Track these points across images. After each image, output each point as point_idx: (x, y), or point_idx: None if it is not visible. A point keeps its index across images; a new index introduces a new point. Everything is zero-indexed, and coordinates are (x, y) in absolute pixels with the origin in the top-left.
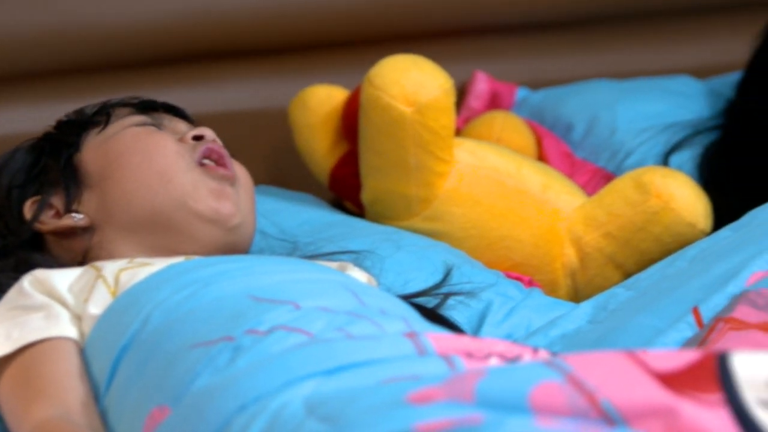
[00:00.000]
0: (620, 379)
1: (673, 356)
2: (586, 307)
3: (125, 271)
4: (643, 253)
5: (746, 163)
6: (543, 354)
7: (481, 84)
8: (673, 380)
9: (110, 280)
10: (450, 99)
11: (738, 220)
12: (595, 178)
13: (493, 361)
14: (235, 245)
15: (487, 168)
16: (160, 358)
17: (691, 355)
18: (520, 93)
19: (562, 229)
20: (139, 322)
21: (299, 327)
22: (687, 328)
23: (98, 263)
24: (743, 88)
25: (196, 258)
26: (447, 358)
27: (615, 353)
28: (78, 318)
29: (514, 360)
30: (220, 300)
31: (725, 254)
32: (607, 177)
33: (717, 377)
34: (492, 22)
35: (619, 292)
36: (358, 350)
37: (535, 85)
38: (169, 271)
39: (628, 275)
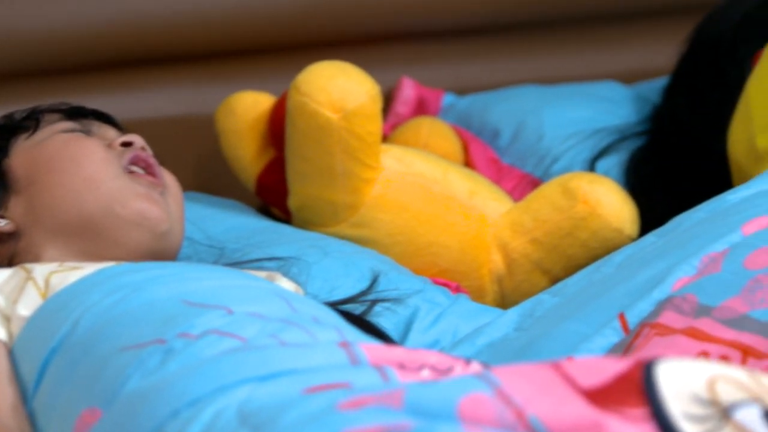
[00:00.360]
0: (548, 394)
1: (599, 369)
2: (513, 314)
3: (55, 274)
4: (569, 258)
5: (672, 168)
6: (475, 366)
7: (408, 90)
8: (599, 395)
9: (40, 282)
10: (376, 105)
11: (663, 226)
12: (521, 183)
13: (426, 373)
14: (164, 252)
15: (413, 174)
16: (90, 361)
17: (617, 367)
18: (447, 99)
19: (489, 235)
20: (69, 324)
21: (232, 332)
22: (613, 334)
23: (28, 265)
24: (669, 93)
25: (126, 264)
26: (380, 369)
27: (543, 367)
28: (7, 319)
29: (446, 372)
30: (151, 304)
31: (651, 260)
32: (534, 183)
33: (642, 390)
34: (418, 28)
35: (546, 299)
36: (292, 357)
37: (461, 90)
38: (99, 275)
39: (555, 281)
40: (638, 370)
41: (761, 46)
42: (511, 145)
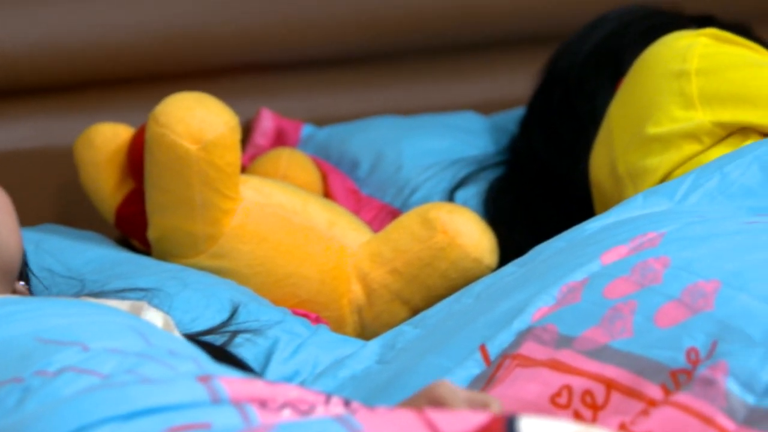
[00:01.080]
0: None
1: (462, 419)
2: (374, 346)
3: None
4: (429, 288)
5: (530, 198)
6: (336, 405)
7: (267, 121)
8: None
9: None
10: (235, 136)
11: (523, 256)
12: (381, 214)
13: (286, 413)
14: None
15: (273, 205)
16: None
17: (479, 419)
18: (306, 130)
19: (349, 266)
20: None
21: (89, 368)
22: (475, 366)
23: None
24: (524, 125)
25: None
26: (240, 407)
27: (406, 412)
28: None
29: (307, 412)
30: (6, 342)
31: (511, 290)
32: (393, 213)
33: None
34: (276, 59)
35: (407, 330)
36: (152, 394)
37: (320, 121)
38: None
39: (415, 311)
40: (500, 424)
41: (611, 78)
42: (370, 176)
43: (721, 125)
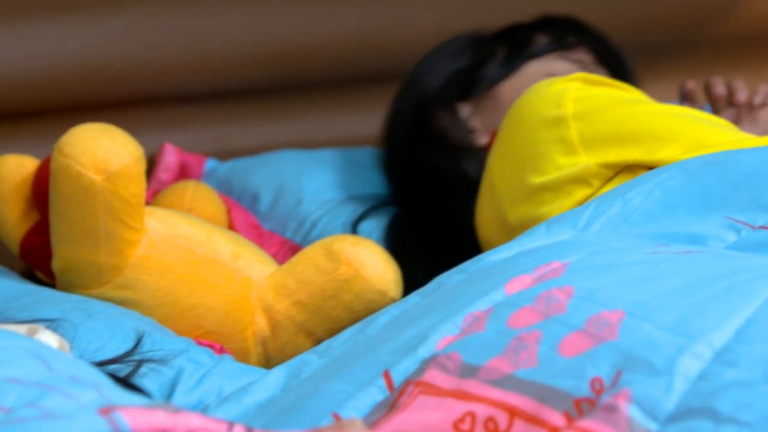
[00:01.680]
0: None
1: None
2: (279, 374)
3: None
4: (333, 320)
5: (425, 235)
6: (239, 430)
7: (170, 156)
8: None
9: None
10: (140, 167)
11: (426, 286)
12: (282, 249)
13: None
14: None
15: (178, 236)
16: None
17: None
18: (209, 164)
19: (253, 297)
20: None
21: None
22: (378, 392)
23: None
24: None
25: None
26: None
27: None
28: None
29: None
30: None
31: (415, 319)
32: (295, 248)
33: None
34: (181, 91)
35: (312, 359)
36: (54, 431)
37: (225, 152)
38: None
39: (319, 343)
40: None
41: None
42: (272, 211)
43: (606, 166)
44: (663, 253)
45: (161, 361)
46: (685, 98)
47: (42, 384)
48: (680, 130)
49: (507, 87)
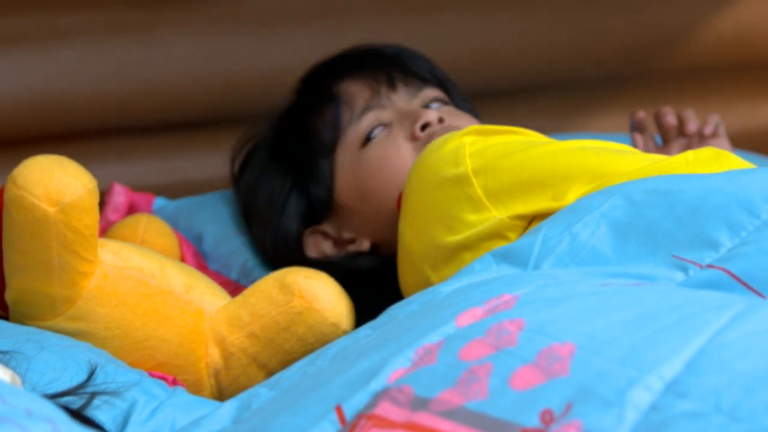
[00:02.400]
0: None
1: None
2: (230, 407)
3: None
4: (286, 352)
5: (375, 268)
6: None
7: (119, 197)
8: None
9: None
10: (94, 199)
11: (377, 319)
12: (227, 289)
13: None
14: None
15: (131, 268)
16: None
17: None
18: (158, 203)
19: (206, 329)
20: None
21: None
22: (330, 426)
23: None
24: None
25: None
26: None
27: None
28: None
29: None
30: None
31: (366, 352)
32: (240, 289)
33: None
34: (130, 123)
35: (262, 392)
36: None
37: (176, 185)
38: None
39: (272, 375)
40: None
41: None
42: (215, 251)
43: (518, 218)
44: (613, 285)
45: (114, 393)
46: (636, 128)
47: None
48: (582, 165)
49: (342, 189)
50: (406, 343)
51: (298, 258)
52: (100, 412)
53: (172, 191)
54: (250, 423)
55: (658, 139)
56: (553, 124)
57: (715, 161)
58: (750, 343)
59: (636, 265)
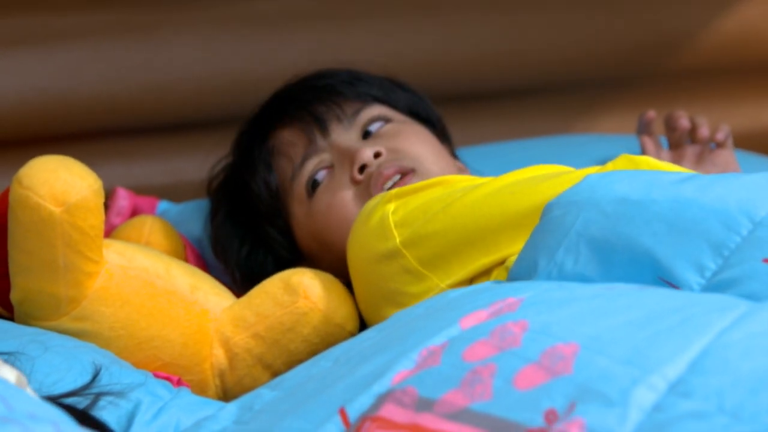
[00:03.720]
0: None
1: None
2: (232, 407)
3: None
4: (291, 353)
5: None
6: None
7: (122, 201)
8: None
9: None
10: (99, 199)
11: (383, 322)
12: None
13: None
14: None
15: (136, 268)
16: None
17: None
18: (161, 206)
19: (211, 330)
20: None
21: None
22: (334, 429)
23: None
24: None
25: None
26: None
27: None
28: None
29: None
30: None
31: (370, 354)
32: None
33: None
34: (136, 124)
35: (265, 393)
36: None
37: (180, 185)
38: None
39: (277, 375)
40: None
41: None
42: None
43: (460, 282)
44: (617, 288)
45: (119, 394)
46: (644, 130)
47: (2, 418)
48: (499, 212)
49: (301, 240)
50: (411, 345)
51: None
52: (105, 412)
53: (176, 192)
54: (253, 424)
55: (664, 143)
56: (559, 125)
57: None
58: (754, 344)
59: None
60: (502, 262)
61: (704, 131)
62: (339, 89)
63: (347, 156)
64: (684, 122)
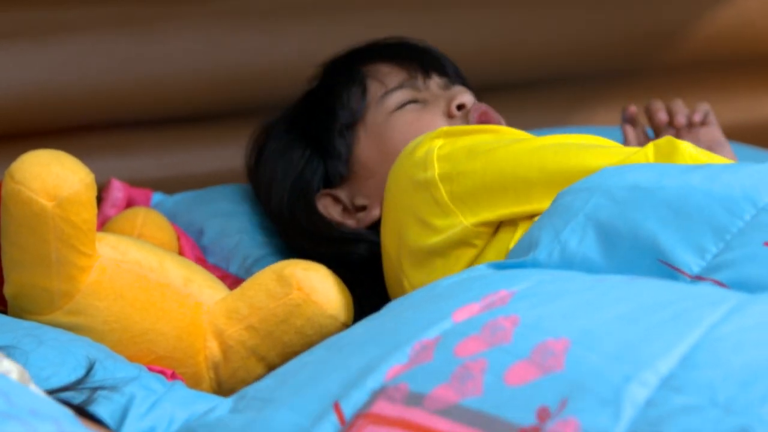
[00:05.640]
0: None
1: None
2: (228, 401)
3: None
4: (285, 345)
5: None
6: None
7: (117, 192)
8: None
9: None
10: (91, 193)
11: (376, 313)
12: (225, 283)
13: None
14: None
15: (129, 262)
16: None
17: None
18: (156, 198)
19: (205, 322)
20: None
21: None
22: (330, 427)
23: None
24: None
25: None
26: None
27: None
28: None
29: None
30: None
31: (363, 345)
32: (239, 282)
33: None
34: (129, 117)
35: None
36: None
37: (174, 179)
38: None
39: (271, 368)
40: None
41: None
42: (215, 245)
43: (483, 224)
44: (609, 280)
45: (113, 388)
46: (627, 121)
47: (4, 414)
48: (540, 166)
49: (365, 150)
50: (404, 339)
51: (312, 220)
52: (99, 406)
53: (171, 185)
54: (247, 413)
55: (650, 132)
56: (553, 119)
57: (675, 154)
58: (745, 337)
59: (626, 272)
60: (530, 217)
61: (680, 118)
62: (444, 60)
63: (444, 98)
64: (661, 115)
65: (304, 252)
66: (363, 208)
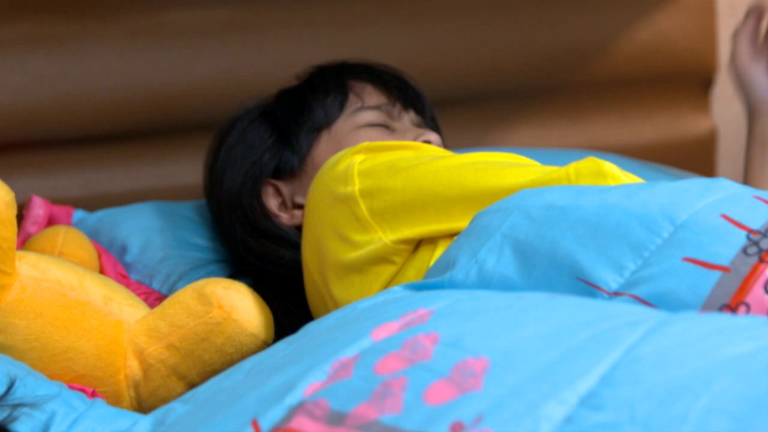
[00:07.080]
0: None
1: None
2: (146, 423)
3: None
4: (206, 364)
5: (293, 283)
6: None
7: (38, 209)
8: None
9: None
10: (11, 211)
11: (293, 336)
12: (149, 299)
13: None
14: None
15: (49, 280)
16: None
17: None
18: (77, 215)
19: (125, 341)
20: None
21: None
22: None
23: None
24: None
25: None
26: None
27: None
28: None
29: None
30: None
31: (282, 366)
32: (161, 299)
33: None
34: (49, 136)
35: (177, 407)
36: None
37: (94, 198)
38: None
39: (191, 386)
40: None
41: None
42: (138, 262)
43: (403, 242)
44: (528, 298)
45: (33, 405)
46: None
47: None
48: (460, 184)
49: (321, 154)
50: (322, 357)
51: (252, 204)
52: (20, 424)
53: (91, 204)
54: None
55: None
56: (472, 137)
57: (598, 174)
58: (664, 357)
59: (544, 289)
60: (450, 235)
61: None
62: (422, 97)
63: (414, 132)
64: None
65: (233, 253)
66: (299, 207)
